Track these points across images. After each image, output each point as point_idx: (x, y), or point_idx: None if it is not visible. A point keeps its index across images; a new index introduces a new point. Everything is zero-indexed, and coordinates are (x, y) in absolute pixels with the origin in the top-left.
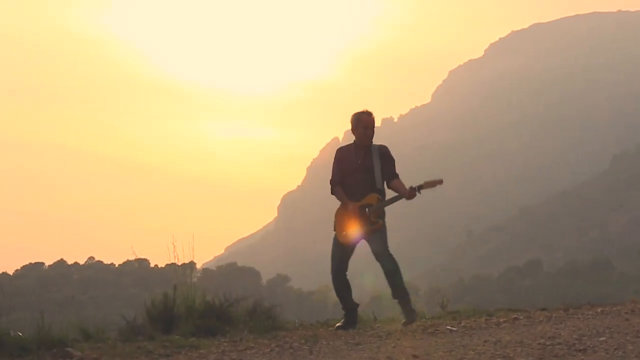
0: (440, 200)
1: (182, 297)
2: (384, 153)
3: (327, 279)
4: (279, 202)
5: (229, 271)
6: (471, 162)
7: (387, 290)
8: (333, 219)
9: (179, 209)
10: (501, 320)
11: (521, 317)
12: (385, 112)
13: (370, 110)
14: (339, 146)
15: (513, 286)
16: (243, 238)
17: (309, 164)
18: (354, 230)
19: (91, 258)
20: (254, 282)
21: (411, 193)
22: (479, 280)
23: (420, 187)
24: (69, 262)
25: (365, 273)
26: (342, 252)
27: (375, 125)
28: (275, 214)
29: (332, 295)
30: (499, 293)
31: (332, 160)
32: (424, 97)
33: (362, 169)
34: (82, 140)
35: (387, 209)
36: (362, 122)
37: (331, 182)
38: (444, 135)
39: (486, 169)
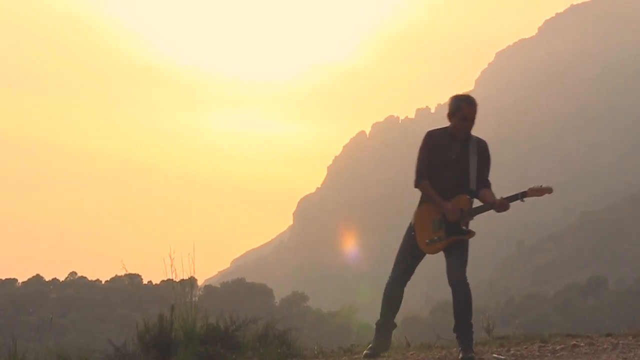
0: None
1: (180, 320)
2: (483, 152)
3: (351, 297)
4: (295, 207)
5: (235, 288)
6: (522, 160)
7: (422, 312)
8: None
9: (177, 216)
10: (558, 348)
11: (582, 344)
12: (421, 101)
13: (472, 97)
14: (431, 129)
15: (572, 307)
16: (252, 249)
17: (330, 162)
18: (440, 239)
19: (73, 273)
20: (265, 302)
21: (502, 204)
22: (531, 300)
23: (523, 195)
24: (47, 279)
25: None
26: (414, 257)
27: (411, 117)
28: (291, 221)
29: (357, 317)
30: (556, 315)
31: (354, 159)
32: (466, 84)
33: (455, 165)
34: (62, 134)
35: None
36: (461, 112)
37: (417, 172)
38: (489, 128)
39: (539, 167)
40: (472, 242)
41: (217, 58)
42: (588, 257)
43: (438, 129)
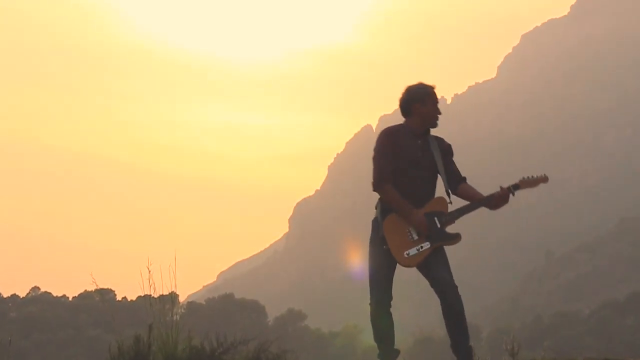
0: (508, 209)
1: (159, 341)
2: (447, 147)
3: (354, 315)
4: (291, 213)
5: (223, 305)
6: (551, 160)
7: (436, 332)
8: (379, 231)
9: (156, 222)
10: None
11: None
12: (436, 91)
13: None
14: (386, 127)
15: (609, 327)
16: (242, 261)
17: (332, 161)
18: (422, 248)
19: (35, 289)
20: (257, 320)
21: (505, 194)
22: (561, 319)
23: (515, 187)
24: (5, 295)
25: (400, 305)
26: (387, 274)
27: None
28: (286, 229)
29: (362, 338)
30: (590, 336)
31: (359, 158)
32: (488, 71)
33: (424, 164)
34: (20, 127)
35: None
36: (432, 97)
37: (377, 177)
38: (514, 122)
39: (572, 168)
40: (493, 253)
41: (200, 41)
42: (627, 270)
43: (395, 126)
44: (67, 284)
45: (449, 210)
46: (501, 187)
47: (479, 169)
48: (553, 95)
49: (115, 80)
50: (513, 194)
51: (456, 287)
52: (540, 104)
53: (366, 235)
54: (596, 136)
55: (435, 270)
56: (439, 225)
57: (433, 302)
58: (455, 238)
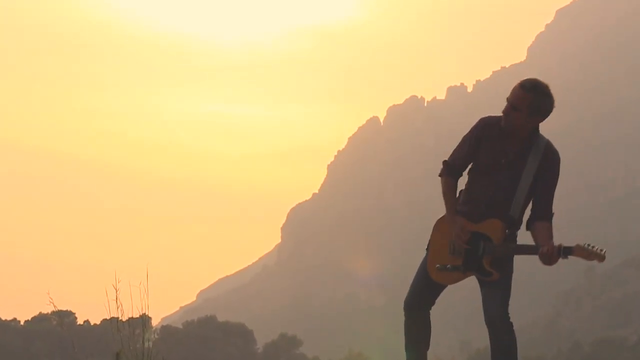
0: None
1: None
2: (549, 164)
3: (359, 341)
4: (283, 220)
5: (203, 329)
6: (591, 157)
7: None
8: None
9: (123, 232)
10: None
11: None
12: (455, 77)
13: (537, 82)
14: (483, 117)
15: None
16: (226, 277)
17: (331, 159)
18: (453, 269)
19: None
20: (243, 347)
21: (551, 253)
22: (605, 346)
23: (567, 252)
24: None
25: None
26: (428, 277)
27: (441, 98)
28: (278, 239)
29: None
30: None
31: (363, 156)
32: (516, 53)
33: (507, 170)
34: None
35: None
36: (510, 98)
37: (446, 162)
38: None
39: (616, 167)
40: (524, 269)
41: (177, 18)
42: None
43: (495, 117)
44: (18, 306)
45: (499, 242)
46: (551, 245)
47: None
48: (591, 80)
49: (75, 63)
50: (562, 257)
51: (506, 319)
52: (577, 91)
53: (372, 244)
54: None
55: (485, 298)
56: (480, 252)
57: (452, 328)
58: (489, 276)
